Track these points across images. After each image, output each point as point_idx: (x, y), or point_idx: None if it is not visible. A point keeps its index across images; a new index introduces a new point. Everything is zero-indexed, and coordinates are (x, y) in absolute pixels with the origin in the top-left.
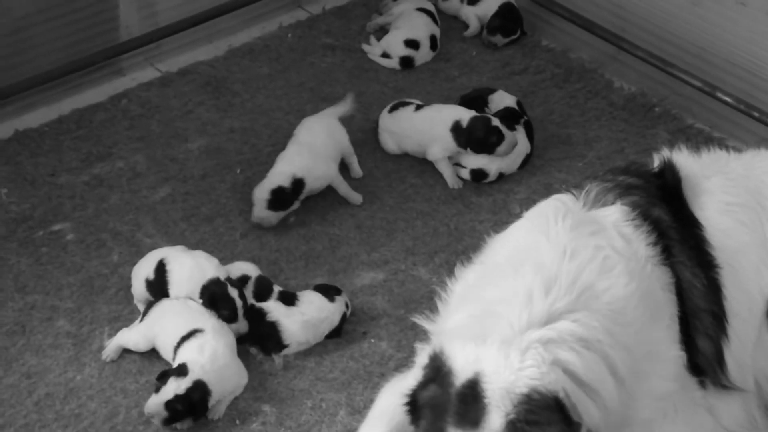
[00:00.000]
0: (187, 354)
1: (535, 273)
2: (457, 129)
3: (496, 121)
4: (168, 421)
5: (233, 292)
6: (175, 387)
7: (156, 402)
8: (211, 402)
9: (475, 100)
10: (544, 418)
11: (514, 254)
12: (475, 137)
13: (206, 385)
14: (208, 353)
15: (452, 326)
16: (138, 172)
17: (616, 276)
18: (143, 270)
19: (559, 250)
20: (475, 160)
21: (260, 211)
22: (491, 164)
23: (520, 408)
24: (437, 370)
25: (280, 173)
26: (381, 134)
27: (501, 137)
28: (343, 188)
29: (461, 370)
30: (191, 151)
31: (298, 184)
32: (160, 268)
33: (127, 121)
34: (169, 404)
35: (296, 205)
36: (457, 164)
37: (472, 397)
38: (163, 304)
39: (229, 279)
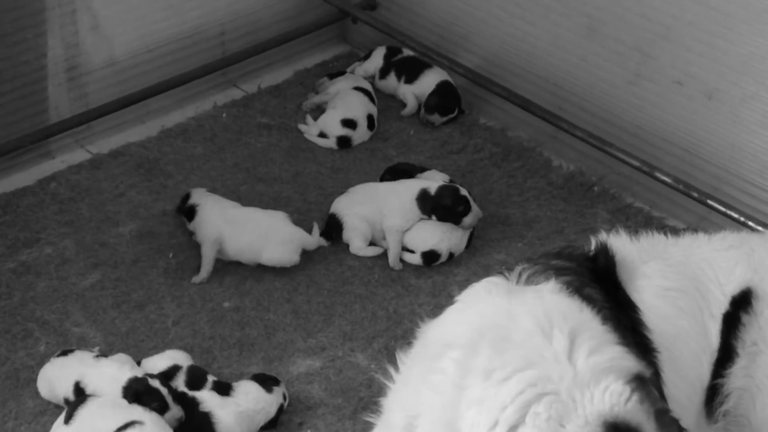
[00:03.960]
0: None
1: (524, 319)
2: (423, 197)
3: (464, 191)
4: None
5: (155, 383)
6: None
7: None
8: None
9: (404, 173)
10: (654, 393)
11: (479, 332)
12: (443, 205)
13: None
14: None
15: (495, 417)
16: (66, 258)
17: (577, 309)
18: (60, 389)
19: (505, 307)
20: (426, 241)
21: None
22: (442, 244)
23: (647, 404)
24: None
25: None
26: (349, 234)
27: (468, 207)
28: None
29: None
30: (122, 236)
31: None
32: (78, 389)
33: (56, 205)
34: None
35: None
36: (406, 250)
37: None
38: (92, 404)
39: (147, 375)
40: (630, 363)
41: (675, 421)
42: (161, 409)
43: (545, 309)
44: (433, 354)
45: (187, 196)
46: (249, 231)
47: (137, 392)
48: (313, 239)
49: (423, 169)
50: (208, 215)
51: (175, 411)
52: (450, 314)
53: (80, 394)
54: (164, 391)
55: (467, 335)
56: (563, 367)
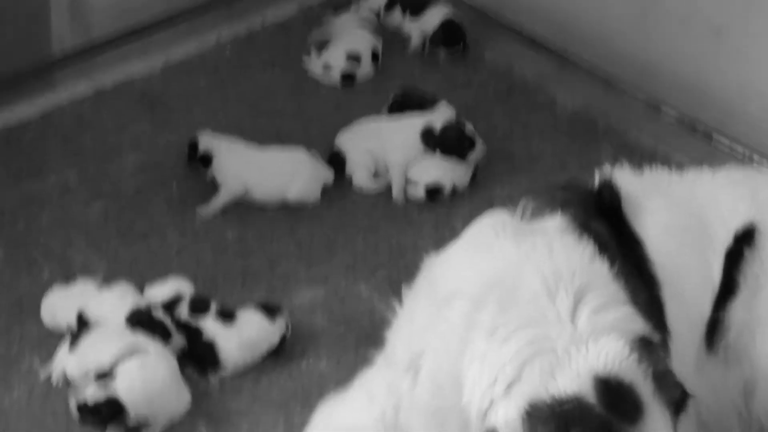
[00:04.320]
0: (124, 373)
1: (530, 276)
2: (428, 133)
3: (469, 128)
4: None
5: (158, 313)
6: (93, 392)
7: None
8: (132, 421)
9: (413, 105)
10: (657, 354)
11: (486, 285)
12: (448, 141)
13: (121, 405)
14: (147, 374)
15: (495, 372)
16: (70, 188)
17: (588, 260)
18: (63, 318)
19: (514, 254)
20: (429, 174)
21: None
22: (446, 178)
23: (645, 363)
24: (552, 418)
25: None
26: (352, 168)
27: (473, 144)
28: None
29: (583, 389)
30: (125, 167)
31: None
32: (81, 318)
33: (59, 137)
34: (80, 407)
35: None
36: (410, 184)
37: (614, 396)
38: (96, 332)
39: (149, 305)
40: (636, 325)
41: (678, 385)
42: (164, 339)
43: (553, 264)
44: (440, 298)
45: (195, 144)
46: (274, 173)
47: (140, 322)
48: (331, 173)
49: (434, 102)
50: (229, 164)
51: (178, 341)
52: (457, 253)
53: (83, 324)
54: (167, 321)
55: (475, 286)
56: (563, 325)
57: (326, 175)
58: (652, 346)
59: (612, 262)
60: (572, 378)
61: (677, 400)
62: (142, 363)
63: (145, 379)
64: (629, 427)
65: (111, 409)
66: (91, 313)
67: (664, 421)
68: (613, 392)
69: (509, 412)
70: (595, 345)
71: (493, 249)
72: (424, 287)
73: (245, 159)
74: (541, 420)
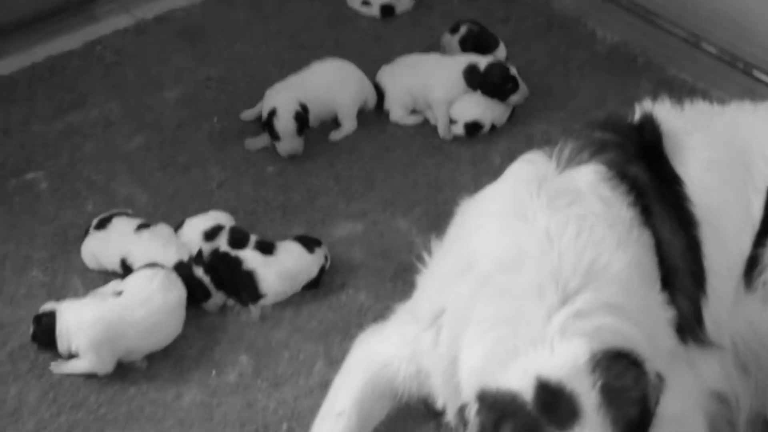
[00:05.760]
0: (132, 283)
1: (531, 269)
2: (471, 72)
3: (513, 71)
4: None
5: (198, 271)
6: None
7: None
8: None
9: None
10: (620, 369)
11: (497, 265)
12: (491, 82)
13: (54, 320)
14: (146, 296)
15: (472, 364)
16: (112, 121)
17: (612, 248)
18: (106, 263)
19: (542, 234)
20: (469, 111)
21: (291, 141)
22: (485, 116)
23: (597, 374)
24: (493, 407)
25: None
26: (390, 103)
27: (516, 86)
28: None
29: (523, 387)
30: (167, 100)
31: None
32: (125, 265)
33: (102, 69)
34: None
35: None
36: (450, 120)
37: (551, 399)
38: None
39: (192, 258)
40: (615, 337)
41: (635, 404)
42: (204, 297)
43: (568, 253)
44: (463, 259)
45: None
46: (325, 84)
47: (182, 277)
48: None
49: (497, 44)
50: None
51: (217, 298)
52: (490, 210)
53: (127, 270)
54: (206, 279)
55: (491, 261)
56: (536, 325)
57: (371, 89)
58: (623, 362)
59: (647, 211)
60: (518, 374)
61: (632, 419)
62: (148, 280)
63: (146, 300)
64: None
65: (48, 322)
66: (135, 262)
67: None
68: (551, 396)
69: (470, 394)
70: (556, 347)
71: (526, 217)
72: (453, 241)
73: (294, 85)
74: (485, 406)
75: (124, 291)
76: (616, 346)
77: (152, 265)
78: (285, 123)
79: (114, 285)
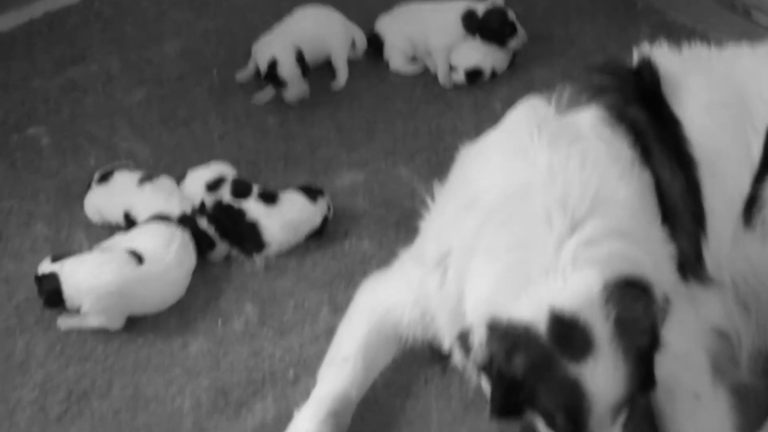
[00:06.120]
0: (146, 245)
1: (538, 197)
2: (470, 17)
3: (511, 15)
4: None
5: (203, 222)
6: (46, 265)
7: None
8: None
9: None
10: (632, 299)
11: (502, 197)
12: (489, 27)
13: (59, 283)
14: (163, 268)
15: (480, 293)
16: (112, 76)
17: (616, 178)
18: (110, 216)
19: (546, 168)
20: (469, 58)
21: (299, 86)
22: (486, 62)
23: (610, 306)
24: (505, 337)
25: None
26: (389, 51)
27: (514, 31)
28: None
29: (536, 318)
30: (166, 54)
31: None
32: (128, 218)
33: (100, 24)
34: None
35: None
36: (450, 68)
37: (565, 330)
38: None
39: (195, 210)
40: (625, 264)
41: (645, 333)
42: (209, 247)
43: (573, 182)
44: (467, 198)
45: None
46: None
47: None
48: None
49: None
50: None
51: (222, 248)
52: (491, 151)
53: (131, 223)
54: (211, 230)
55: (495, 196)
56: (547, 253)
57: (356, 28)
58: (634, 291)
59: (647, 152)
60: (530, 305)
61: (643, 348)
62: (161, 242)
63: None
64: (572, 363)
65: (51, 284)
66: (138, 215)
67: (612, 365)
68: (565, 327)
69: (478, 321)
70: (568, 277)
71: (527, 155)
72: (455, 184)
73: (297, 37)
74: (496, 336)
75: (144, 257)
76: (626, 274)
77: (163, 218)
78: (290, 68)
79: (120, 239)
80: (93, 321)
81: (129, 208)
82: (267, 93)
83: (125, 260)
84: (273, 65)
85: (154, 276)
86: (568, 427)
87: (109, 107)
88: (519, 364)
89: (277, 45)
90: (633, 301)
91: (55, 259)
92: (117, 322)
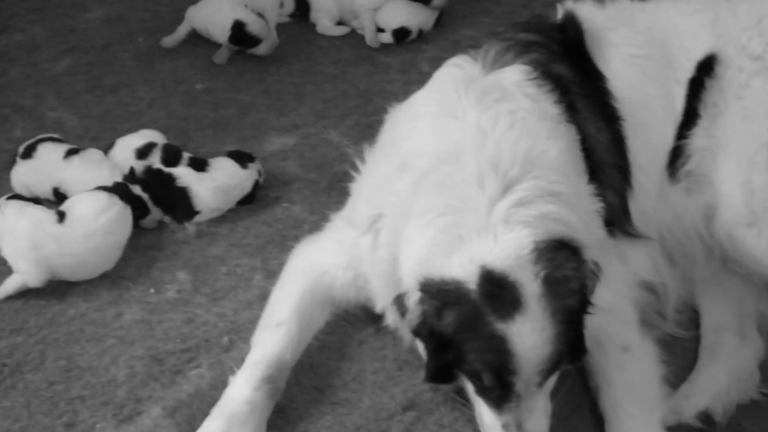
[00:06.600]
0: (77, 206)
1: (469, 159)
2: None
3: None
4: None
5: (136, 189)
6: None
7: None
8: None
9: None
10: (562, 259)
11: (434, 159)
12: None
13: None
14: (85, 232)
15: (414, 254)
16: (37, 45)
17: (544, 138)
18: (38, 191)
19: (474, 127)
20: (396, 17)
21: (271, 37)
22: (411, 21)
23: (540, 265)
24: (437, 295)
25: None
26: (316, 14)
27: None
28: None
29: (467, 276)
30: (92, 21)
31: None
32: (58, 193)
33: None
34: None
35: None
36: (377, 29)
37: (495, 288)
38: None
39: (125, 177)
40: (556, 225)
41: (574, 293)
42: (142, 214)
43: (504, 144)
44: (398, 160)
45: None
46: None
47: (120, 196)
48: None
49: None
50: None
51: (156, 214)
52: (420, 112)
53: (61, 198)
54: (145, 197)
55: (427, 158)
56: (479, 214)
57: None
58: (565, 252)
59: (572, 108)
60: (462, 263)
61: (571, 308)
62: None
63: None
64: (500, 321)
65: None
66: (68, 189)
67: (539, 324)
68: (495, 285)
69: (412, 283)
70: (499, 236)
71: (455, 115)
72: (385, 146)
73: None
74: (428, 294)
75: (67, 217)
76: (557, 235)
77: (107, 189)
78: (260, 26)
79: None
80: (12, 281)
81: (58, 184)
82: (224, 52)
83: (45, 216)
84: (239, 27)
85: (72, 238)
86: (494, 388)
87: (35, 76)
88: (449, 321)
89: (230, 8)
90: (563, 262)
91: None
92: (35, 277)
